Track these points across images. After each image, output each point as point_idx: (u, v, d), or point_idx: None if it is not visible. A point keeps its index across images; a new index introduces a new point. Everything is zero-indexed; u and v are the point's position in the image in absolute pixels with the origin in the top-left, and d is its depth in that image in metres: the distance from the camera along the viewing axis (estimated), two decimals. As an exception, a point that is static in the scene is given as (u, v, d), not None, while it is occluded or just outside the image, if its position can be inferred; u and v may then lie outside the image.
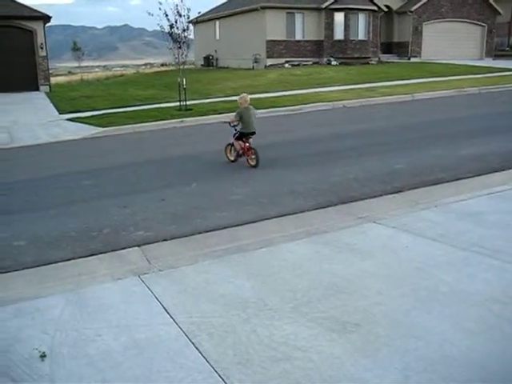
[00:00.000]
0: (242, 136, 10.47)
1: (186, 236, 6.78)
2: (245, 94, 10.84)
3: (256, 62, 35.65)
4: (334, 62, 35.38)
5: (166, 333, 4.41)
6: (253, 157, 10.41)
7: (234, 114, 10.65)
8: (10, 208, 8.71)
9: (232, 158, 10.93)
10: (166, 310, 4.77)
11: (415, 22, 40.09)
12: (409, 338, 4.07)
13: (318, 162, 10.53)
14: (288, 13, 35.46)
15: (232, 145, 10.83)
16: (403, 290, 4.86)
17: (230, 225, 7.06)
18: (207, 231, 6.90)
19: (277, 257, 5.78)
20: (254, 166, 10.35)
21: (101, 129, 16.04)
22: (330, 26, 36.28)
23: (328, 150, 11.68)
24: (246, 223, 7.10)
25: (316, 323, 4.37)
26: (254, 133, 10.49)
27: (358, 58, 36.21)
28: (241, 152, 10.60)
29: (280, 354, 3.96)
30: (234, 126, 10.64)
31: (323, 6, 35.63)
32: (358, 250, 5.84)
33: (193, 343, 4.20)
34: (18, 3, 29.05)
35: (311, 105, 18.92)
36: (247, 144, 10.45)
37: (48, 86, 29.30)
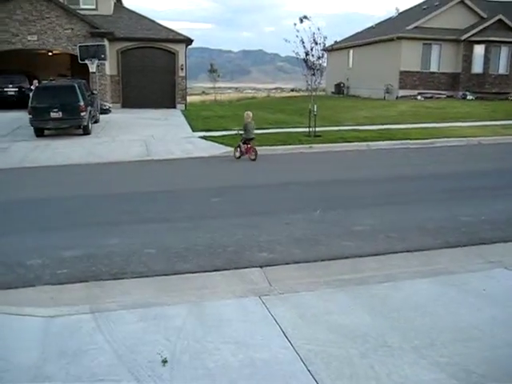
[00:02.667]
0: (245, 140, 14.90)
1: (309, 262, 6.80)
2: (249, 112, 15.60)
3: (388, 92, 35.16)
4: (469, 97, 34.01)
5: (283, 356, 4.44)
6: (253, 153, 14.80)
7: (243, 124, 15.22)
8: (144, 217, 9.24)
9: (238, 155, 15.14)
10: (284, 333, 4.80)
11: None
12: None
13: (449, 200, 10.12)
14: (424, 44, 34.70)
15: (238, 146, 15.14)
16: (537, 344, 4.52)
17: (353, 255, 6.98)
18: (330, 259, 6.87)
19: (400, 293, 5.63)
20: (253, 160, 14.71)
21: (230, 148, 16.54)
22: (468, 58, 34.99)
23: (460, 188, 11.20)
24: (370, 255, 6.98)
25: (438, 368, 4.18)
26: (253, 138, 15.03)
27: (496, 93, 34.51)
28: (244, 151, 14.95)
29: (398, 395, 3.85)
30: (240, 132, 15.21)
31: (462, 37, 34.49)
32: (487, 296, 5.53)
33: (309, 370, 4.19)
34: (165, 27, 31.06)
35: (443, 139, 18.26)
36: (249, 146, 14.86)
37: (184, 105, 30.88)
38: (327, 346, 4.55)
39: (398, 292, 5.66)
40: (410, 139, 18.06)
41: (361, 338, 4.66)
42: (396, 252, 7.14)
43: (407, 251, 7.17)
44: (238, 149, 15.21)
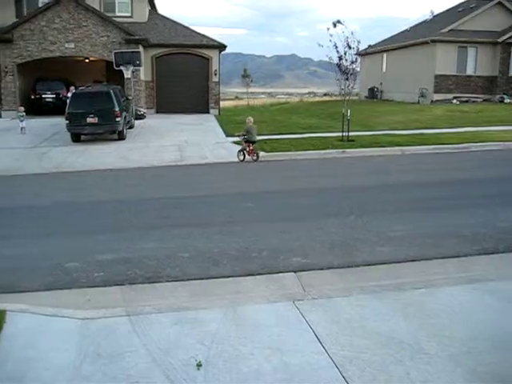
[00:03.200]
0: (248, 141, 16.10)
1: (343, 267, 6.77)
2: (250, 118, 16.92)
3: (422, 96, 34.73)
4: (507, 100, 33.34)
5: (317, 362, 4.43)
6: (255, 155, 16.02)
7: (244, 128, 16.59)
8: (178, 221, 9.34)
9: (241, 158, 16.10)
10: (318, 338, 4.79)
11: None
12: None
13: (485, 205, 9.91)
14: (460, 47, 34.19)
15: (241, 151, 16.21)
16: None
17: (388, 261, 6.92)
18: (365, 265, 6.83)
19: (436, 300, 5.55)
20: (255, 161, 15.89)
21: (263, 153, 16.59)
22: (505, 61, 34.31)
23: (496, 193, 10.98)
24: (405, 261, 6.91)
25: (475, 376, 4.12)
26: (255, 141, 16.18)
27: (535, 96, 33.77)
28: (246, 151, 16.08)
29: (434, 403, 3.79)
30: (243, 136, 16.25)
31: (500, 40, 33.86)
32: (526, 304, 5.41)
33: (343, 377, 4.17)
34: (199, 33, 31.32)
35: (479, 144, 17.93)
36: (251, 148, 16.06)
37: (217, 110, 31.06)
38: (362, 352, 4.52)
39: (433, 298, 5.59)
40: (445, 144, 17.80)
41: (396, 345, 4.62)
42: (432, 258, 7.05)
43: (443, 257, 7.06)
44: (242, 152, 16.18)
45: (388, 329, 4.92)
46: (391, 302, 5.51)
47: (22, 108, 22.36)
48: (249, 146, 16.11)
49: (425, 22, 43.63)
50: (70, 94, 21.80)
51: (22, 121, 21.51)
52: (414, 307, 5.37)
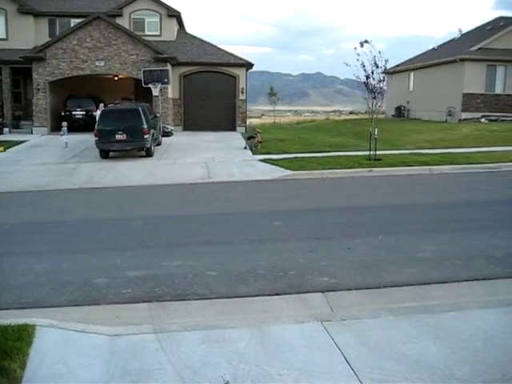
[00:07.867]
0: (249, 137, 22.45)
1: (371, 288, 6.69)
2: (253, 123, 25.46)
3: (450, 115, 34.45)
4: (537, 119, 32.86)
5: (346, 384, 4.37)
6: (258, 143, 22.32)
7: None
8: (205, 239, 9.36)
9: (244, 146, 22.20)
10: (347, 360, 4.74)
11: None
12: None
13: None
14: (489, 65, 33.88)
15: (246, 145, 22.08)
16: None
17: (416, 282, 6.82)
18: (393, 286, 6.74)
19: (466, 323, 5.45)
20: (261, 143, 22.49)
21: (290, 172, 16.59)
22: (538, 80, 33.89)
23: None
24: (434, 283, 6.80)
25: (510, 404, 4.02)
26: (250, 138, 22.39)
27: None
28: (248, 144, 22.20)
29: (467, 430, 3.71)
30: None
31: (530, 59, 33.50)
32: (561, 329, 5.27)
33: (373, 400, 4.11)
34: (226, 52, 31.67)
35: (510, 163, 17.65)
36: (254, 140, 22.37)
37: (244, 127, 31.21)
38: (392, 376, 4.45)
39: (464, 322, 5.49)
40: (474, 163, 17.56)
41: (427, 369, 4.54)
42: (461, 280, 6.93)
43: (473, 279, 6.94)
44: (247, 145, 21.92)
45: (418, 352, 4.84)
46: (421, 325, 5.42)
47: (65, 123, 22.93)
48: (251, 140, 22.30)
49: (453, 40, 43.38)
50: (99, 111, 22.16)
51: (62, 135, 22.11)
52: (445, 330, 5.27)
